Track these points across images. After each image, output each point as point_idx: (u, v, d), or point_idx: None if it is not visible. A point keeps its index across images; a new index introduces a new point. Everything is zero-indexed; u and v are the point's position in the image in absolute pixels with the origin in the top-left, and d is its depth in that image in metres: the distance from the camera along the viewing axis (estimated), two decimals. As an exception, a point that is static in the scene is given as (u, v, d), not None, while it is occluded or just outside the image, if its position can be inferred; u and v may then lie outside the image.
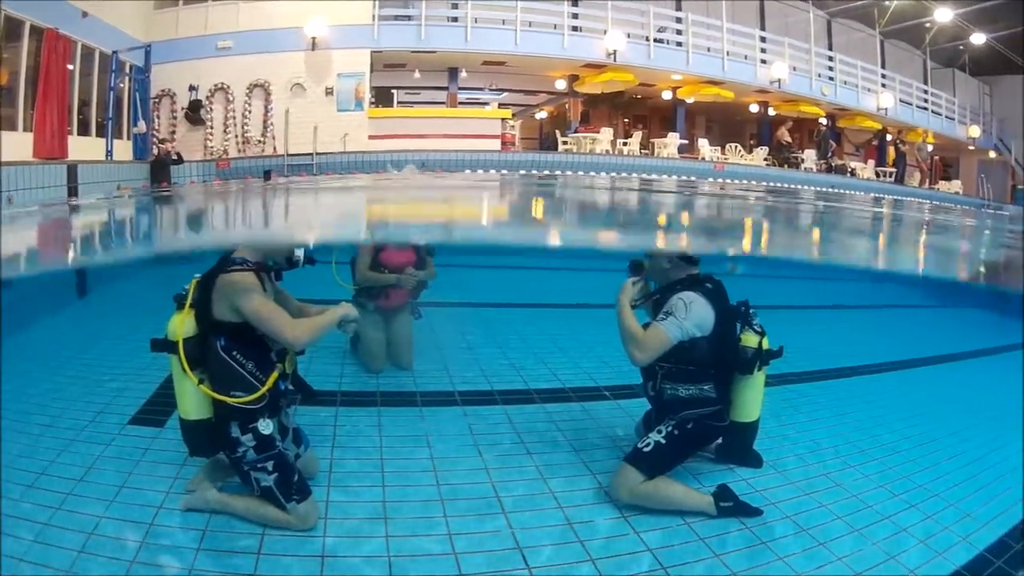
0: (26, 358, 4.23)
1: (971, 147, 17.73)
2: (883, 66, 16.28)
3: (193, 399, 2.51)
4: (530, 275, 8.27)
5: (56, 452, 3.01)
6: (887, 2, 15.21)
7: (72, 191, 9.44)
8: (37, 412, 3.42)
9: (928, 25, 15.78)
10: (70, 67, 10.01)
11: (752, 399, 2.92)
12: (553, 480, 2.95)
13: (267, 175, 11.54)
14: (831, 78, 15.56)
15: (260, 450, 2.49)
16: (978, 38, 15.80)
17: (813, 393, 4.34)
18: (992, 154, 18.37)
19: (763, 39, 14.85)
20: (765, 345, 2.85)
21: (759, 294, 3.09)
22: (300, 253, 2.61)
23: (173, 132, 11.74)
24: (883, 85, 15.97)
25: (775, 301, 3.15)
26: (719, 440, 3.05)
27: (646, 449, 2.71)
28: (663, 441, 2.73)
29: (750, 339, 2.84)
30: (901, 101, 16.22)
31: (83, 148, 10.23)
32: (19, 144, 9.03)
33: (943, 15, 14.86)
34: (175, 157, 10.87)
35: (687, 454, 2.85)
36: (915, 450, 3.50)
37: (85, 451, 3.03)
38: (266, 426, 2.51)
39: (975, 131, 17.37)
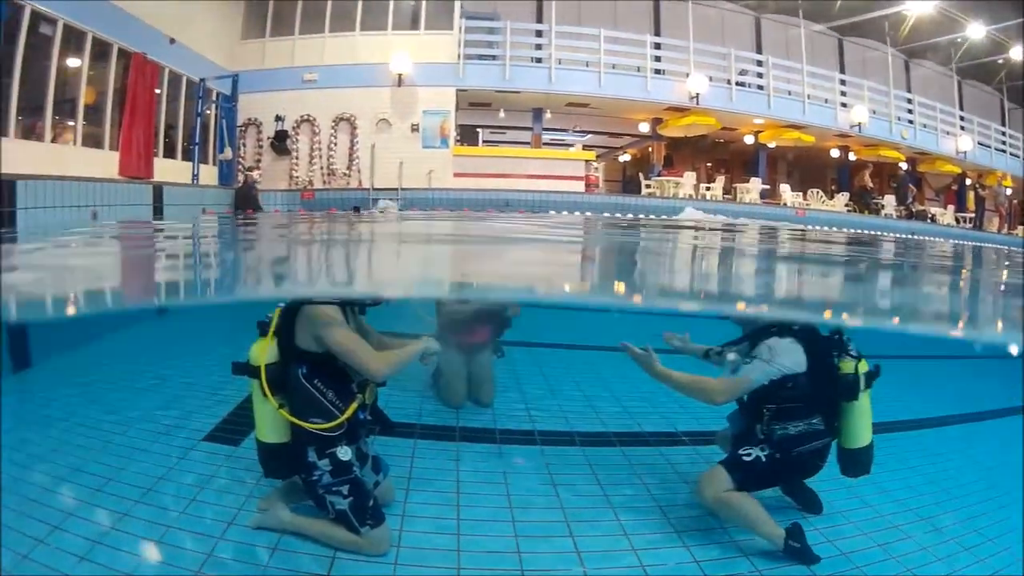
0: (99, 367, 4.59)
1: (1050, 190, 17.34)
2: (961, 107, 16.15)
3: (271, 423, 2.54)
4: (611, 318, 7.80)
5: (127, 460, 3.07)
6: (960, 39, 15.22)
7: (157, 211, 9.14)
8: (110, 421, 3.52)
9: (1001, 62, 15.78)
10: (157, 91, 9.79)
11: (862, 424, 2.87)
12: (628, 522, 2.90)
13: (356, 210, 10.86)
14: (910, 121, 15.33)
15: (336, 474, 2.51)
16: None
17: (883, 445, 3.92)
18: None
19: (843, 81, 14.66)
20: (863, 368, 2.83)
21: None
22: None
23: (259, 161, 11.22)
24: (961, 127, 15.74)
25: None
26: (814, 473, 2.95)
27: (746, 459, 2.71)
28: (764, 459, 2.71)
29: (848, 365, 2.83)
30: (979, 144, 15.94)
31: (168, 170, 9.85)
32: (105, 162, 8.72)
33: (1017, 52, 14.86)
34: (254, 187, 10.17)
35: (781, 481, 2.89)
36: (984, 504, 3.34)
37: (158, 462, 3.08)
38: (344, 453, 2.53)
39: (1053, 173, 17.04)
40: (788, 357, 2.69)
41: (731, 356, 2.96)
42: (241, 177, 10.44)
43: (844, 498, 3.16)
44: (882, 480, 3.42)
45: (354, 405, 2.51)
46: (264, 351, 2.49)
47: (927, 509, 3.22)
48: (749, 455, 2.71)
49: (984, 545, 2.90)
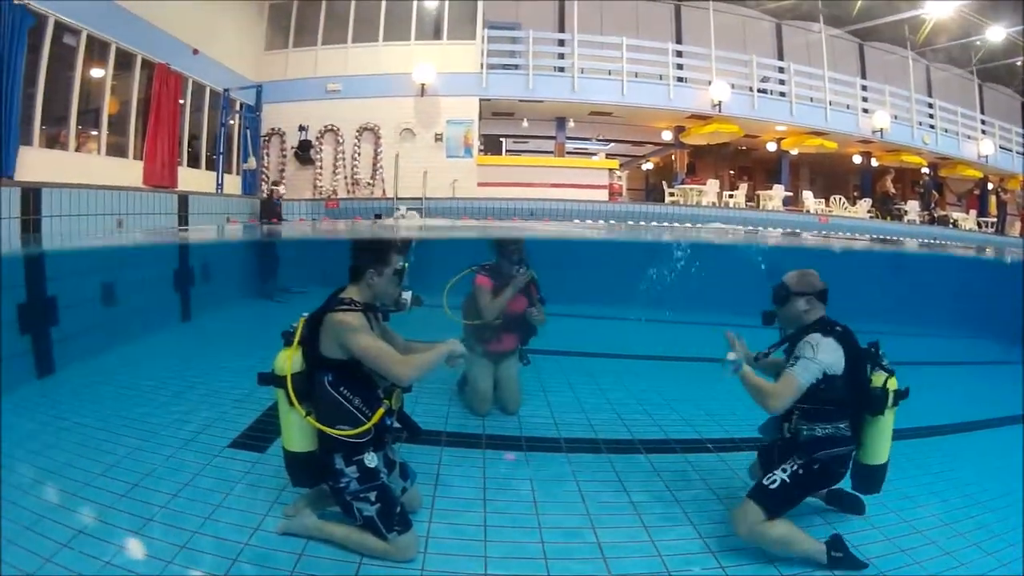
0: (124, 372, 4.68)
1: (1071, 194, 17.20)
2: (982, 110, 16.08)
3: (298, 432, 2.56)
4: (634, 327, 8.30)
5: (153, 466, 3.10)
6: (979, 42, 15.18)
7: (182, 219, 9.01)
8: (137, 427, 3.57)
9: (1020, 64, 15.75)
10: (180, 101, 9.70)
11: (882, 441, 2.86)
12: (653, 528, 2.90)
13: (378, 217, 10.73)
14: (932, 126, 15.23)
15: (363, 481, 2.52)
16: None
17: (906, 450, 4.05)
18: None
19: (864, 87, 14.58)
20: (894, 385, 2.79)
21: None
22: (408, 296, 2.66)
23: (282, 170, 11.05)
24: (983, 131, 15.65)
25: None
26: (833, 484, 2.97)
27: (772, 487, 2.70)
28: (788, 480, 2.71)
29: (879, 379, 2.80)
30: (1001, 147, 15.84)
31: (192, 180, 9.72)
32: (129, 170, 8.62)
33: (1035, 55, 14.86)
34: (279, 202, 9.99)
35: (808, 495, 2.86)
36: (1008, 509, 3.32)
37: (184, 468, 3.11)
38: (371, 459, 2.54)
39: (1075, 177, 16.92)
40: (829, 355, 2.67)
41: (773, 358, 2.99)
42: (267, 189, 10.23)
43: (873, 503, 3.13)
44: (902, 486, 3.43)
45: (381, 411, 2.53)
46: (290, 360, 2.52)
47: (950, 515, 3.23)
48: (774, 481, 2.70)
49: (1006, 550, 2.89)
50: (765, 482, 2.73)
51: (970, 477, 3.78)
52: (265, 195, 10.22)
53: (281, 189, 10.15)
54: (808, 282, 2.85)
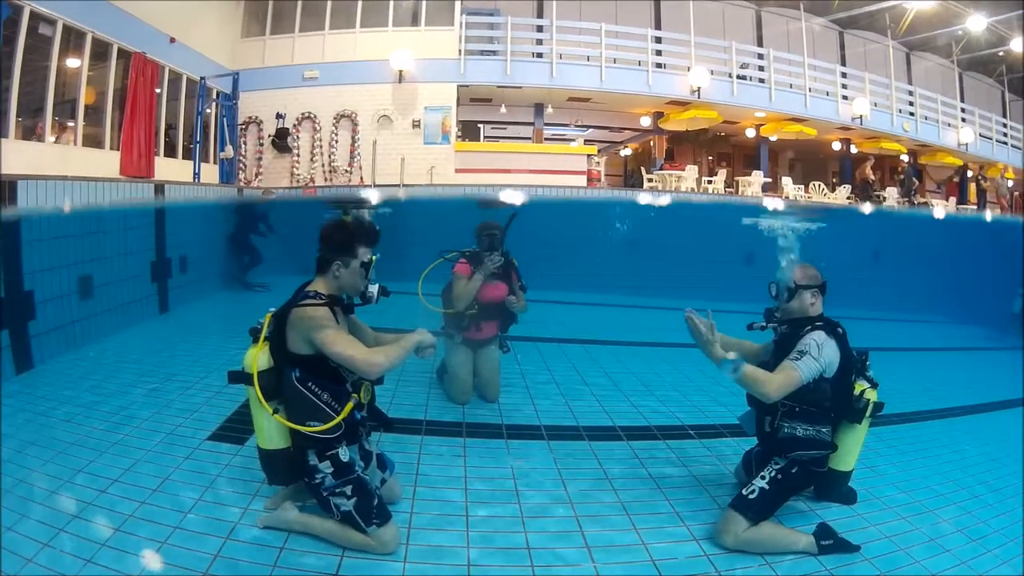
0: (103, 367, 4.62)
1: (1051, 181, 17.32)
2: (962, 99, 16.11)
3: (270, 429, 2.55)
4: (616, 312, 8.46)
5: (134, 460, 3.07)
6: (961, 32, 15.16)
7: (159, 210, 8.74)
8: (113, 420, 3.56)
9: (1002, 54, 15.74)
10: (157, 90, 9.72)
11: (852, 449, 2.94)
12: (636, 516, 2.92)
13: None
14: (911, 113, 15.28)
15: (338, 475, 2.50)
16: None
17: (891, 436, 4.19)
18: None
19: (844, 74, 14.61)
20: (873, 396, 2.86)
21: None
22: (374, 289, 2.61)
23: (260, 159, 11.03)
24: (963, 119, 15.70)
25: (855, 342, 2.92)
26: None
27: (751, 496, 2.72)
28: (767, 487, 2.74)
29: (863, 389, 2.87)
30: (981, 135, 15.90)
31: (169, 169, 9.82)
32: (106, 161, 8.71)
33: (1018, 44, 14.80)
34: None
35: (788, 498, 2.87)
36: (992, 495, 3.40)
37: (163, 462, 3.08)
38: (345, 453, 2.52)
39: (1054, 165, 17.01)
40: (830, 357, 2.70)
41: (743, 342, 3.00)
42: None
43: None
44: (887, 472, 3.54)
45: (349, 405, 2.48)
46: (256, 358, 2.49)
47: (933, 501, 3.26)
48: (753, 491, 2.74)
49: (992, 536, 2.94)
50: (744, 492, 2.75)
51: (954, 462, 3.86)
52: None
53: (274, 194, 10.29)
54: (814, 276, 2.88)
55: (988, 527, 3.02)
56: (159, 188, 9.06)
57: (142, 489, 2.80)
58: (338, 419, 2.45)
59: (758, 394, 2.65)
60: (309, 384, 2.46)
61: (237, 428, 3.53)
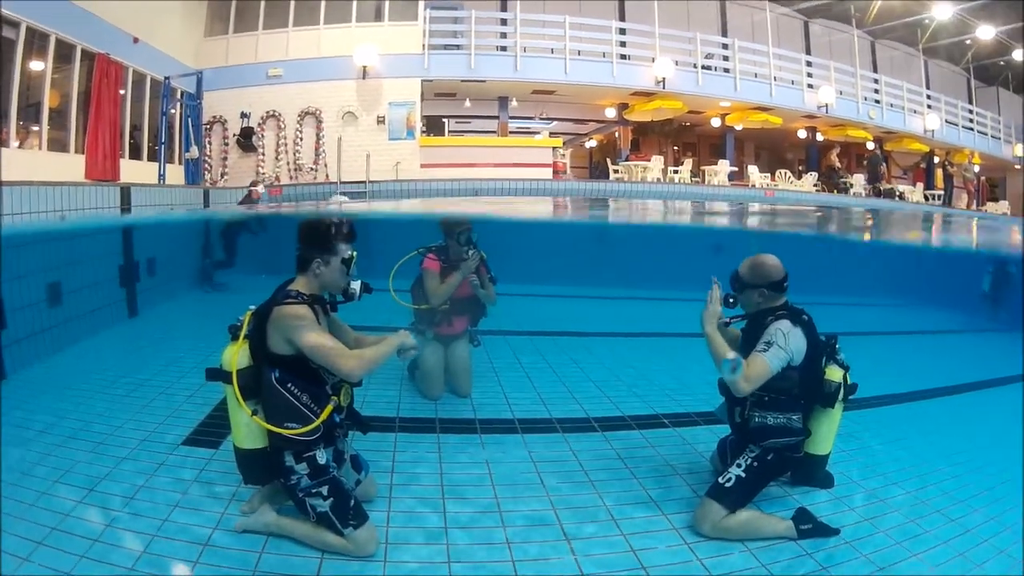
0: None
1: (1017, 166, 17.53)
2: (928, 86, 16.24)
3: (247, 428, 2.51)
4: (587, 304, 8.32)
5: (108, 468, 3.01)
6: (927, 20, 15.25)
7: (125, 212, 9.06)
8: (87, 429, 3.45)
9: (969, 42, 15.83)
10: (121, 92, 9.82)
11: (827, 433, 2.96)
12: (614, 507, 2.93)
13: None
14: (877, 101, 15.44)
15: (314, 477, 2.47)
16: (1020, 54, 15.83)
17: (866, 419, 4.23)
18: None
19: (809, 63, 14.75)
20: (845, 379, 2.88)
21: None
22: (356, 286, 2.59)
23: (225, 158, 11.28)
24: (928, 106, 15.86)
25: (826, 327, 2.97)
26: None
27: (727, 484, 2.74)
28: (743, 475, 2.76)
29: (834, 373, 2.88)
30: (947, 122, 16.08)
31: (135, 172, 9.97)
32: (70, 165, 8.81)
33: (985, 32, 14.90)
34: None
35: (765, 484, 2.88)
36: (970, 475, 3.45)
37: (138, 469, 3.02)
38: (322, 456, 2.49)
39: (1020, 150, 17.22)
40: (796, 345, 2.70)
41: (732, 329, 3.00)
42: (247, 189, 10.44)
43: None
44: (864, 455, 3.60)
45: (329, 408, 2.45)
46: (236, 356, 2.44)
47: (911, 483, 3.30)
48: (729, 480, 2.75)
49: (970, 516, 2.99)
50: (721, 480, 2.76)
51: (932, 443, 3.91)
52: (245, 193, 10.49)
53: (260, 188, 10.37)
54: (761, 275, 2.83)
55: (966, 507, 3.05)
56: (124, 191, 9.34)
57: (117, 497, 2.76)
58: (317, 422, 2.41)
59: (733, 388, 2.65)
60: (289, 385, 2.41)
61: (211, 432, 3.48)
